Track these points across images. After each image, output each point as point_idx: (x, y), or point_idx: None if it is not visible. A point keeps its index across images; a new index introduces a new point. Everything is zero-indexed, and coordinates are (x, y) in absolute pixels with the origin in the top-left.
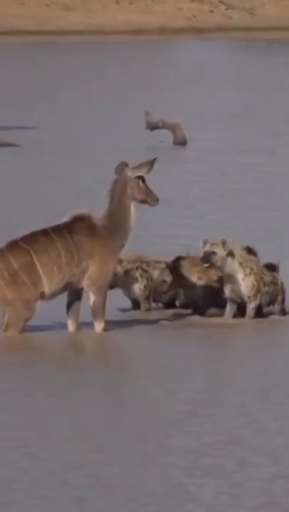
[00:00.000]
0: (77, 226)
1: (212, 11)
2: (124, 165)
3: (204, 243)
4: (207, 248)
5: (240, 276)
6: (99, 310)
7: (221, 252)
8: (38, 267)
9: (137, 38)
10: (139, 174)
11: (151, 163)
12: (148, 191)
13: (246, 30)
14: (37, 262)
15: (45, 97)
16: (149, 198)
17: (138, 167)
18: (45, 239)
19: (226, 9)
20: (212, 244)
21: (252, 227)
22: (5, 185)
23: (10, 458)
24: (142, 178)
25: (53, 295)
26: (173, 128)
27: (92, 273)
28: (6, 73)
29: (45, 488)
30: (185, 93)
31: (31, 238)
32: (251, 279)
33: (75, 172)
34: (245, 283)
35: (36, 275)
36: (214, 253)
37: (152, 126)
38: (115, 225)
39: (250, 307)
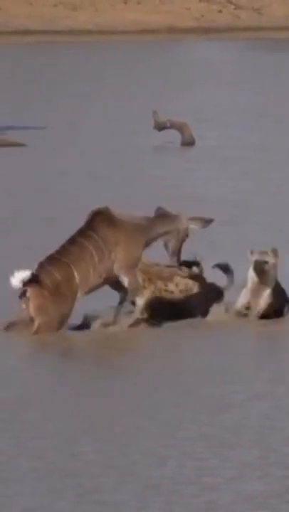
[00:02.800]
0: (97, 221)
1: (220, 11)
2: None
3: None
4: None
5: None
6: (136, 288)
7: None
8: (76, 279)
9: (144, 38)
10: (192, 227)
11: (208, 222)
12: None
13: (254, 30)
14: (76, 274)
15: (53, 96)
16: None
17: (194, 219)
18: (75, 247)
19: (234, 9)
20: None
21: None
22: (12, 184)
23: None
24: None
25: (89, 292)
26: (180, 128)
27: (120, 258)
28: (13, 73)
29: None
30: (193, 93)
31: (65, 251)
32: None
33: (82, 171)
34: None
35: (75, 288)
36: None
37: (160, 126)
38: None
39: None
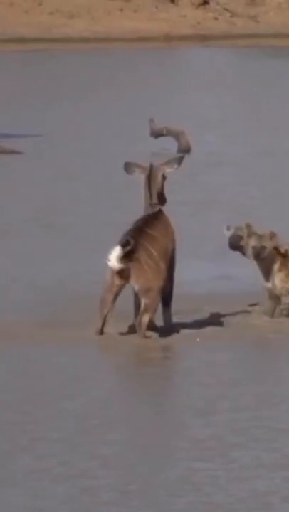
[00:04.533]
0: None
1: (216, 18)
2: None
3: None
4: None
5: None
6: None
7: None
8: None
9: (141, 46)
10: (169, 171)
11: (179, 160)
12: (163, 194)
13: (251, 37)
14: (167, 247)
15: (50, 104)
16: (161, 201)
17: (167, 163)
18: (160, 222)
19: (231, 16)
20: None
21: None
22: (10, 192)
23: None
24: (164, 177)
25: None
26: (177, 135)
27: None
28: (9, 80)
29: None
30: (190, 100)
31: (153, 225)
32: None
33: (79, 179)
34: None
35: (169, 262)
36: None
37: (156, 134)
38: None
39: None
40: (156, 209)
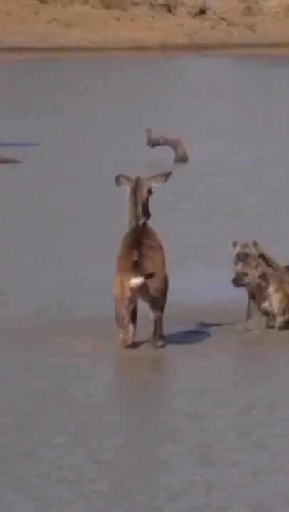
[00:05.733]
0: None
1: (213, 28)
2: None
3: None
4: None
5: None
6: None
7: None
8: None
9: (138, 55)
10: (154, 185)
11: (166, 176)
12: (147, 208)
13: (247, 47)
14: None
15: (47, 113)
16: (145, 215)
17: (154, 177)
18: (154, 234)
19: (227, 26)
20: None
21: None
22: (8, 201)
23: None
24: (151, 190)
25: None
26: (174, 145)
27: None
28: (6, 90)
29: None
30: (187, 109)
31: (151, 235)
32: None
33: (77, 188)
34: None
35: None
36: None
37: (153, 143)
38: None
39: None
40: (142, 221)
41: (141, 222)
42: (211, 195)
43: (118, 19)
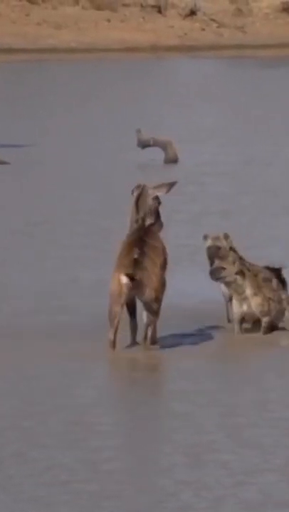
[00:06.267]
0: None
1: (203, 29)
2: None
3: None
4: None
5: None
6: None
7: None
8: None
9: (129, 56)
10: (158, 194)
11: (170, 186)
12: (159, 216)
13: (238, 48)
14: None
15: (38, 114)
16: (157, 222)
17: (158, 187)
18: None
19: (218, 27)
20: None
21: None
22: None
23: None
24: (158, 199)
25: None
26: (164, 146)
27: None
28: None
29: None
30: (177, 110)
31: (150, 234)
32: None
33: (67, 189)
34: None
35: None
36: None
37: (143, 144)
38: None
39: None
40: (148, 222)
41: (148, 223)
42: (202, 196)
43: (108, 20)
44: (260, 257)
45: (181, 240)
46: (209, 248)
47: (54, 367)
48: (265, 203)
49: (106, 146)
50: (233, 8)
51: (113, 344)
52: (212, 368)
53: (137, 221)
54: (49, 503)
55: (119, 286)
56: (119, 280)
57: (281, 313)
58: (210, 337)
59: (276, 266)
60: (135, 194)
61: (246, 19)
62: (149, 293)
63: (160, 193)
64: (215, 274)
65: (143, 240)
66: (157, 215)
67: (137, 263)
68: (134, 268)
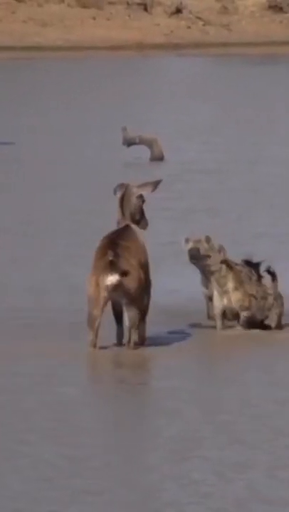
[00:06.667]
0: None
1: (189, 27)
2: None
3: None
4: None
5: None
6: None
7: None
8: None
9: (114, 54)
10: (143, 193)
11: (155, 184)
12: (143, 214)
13: (223, 46)
14: (140, 258)
15: (22, 112)
16: (142, 221)
17: (143, 185)
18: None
19: (203, 25)
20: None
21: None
22: None
23: None
24: (142, 198)
25: None
26: (150, 143)
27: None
28: None
29: None
30: (163, 108)
31: (124, 235)
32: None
33: (52, 187)
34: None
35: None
36: None
37: (129, 142)
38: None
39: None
40: (124, 224)
41: (122, 224)
42: (188, 194)
43: (94, 18)
44: (246, 253)
45: (167, 237)
46: (190, 250)
47: (40, 364)
48: (251, 201)
49: (92, 144)
50: (219, 6)
51: (94, 344)
52: (197, 365)
53: (118, 222)
54: (33, 499)
55: (97, 290)
56: (97, 283)
57: (267, 309)
58: (195, 334)
59: (254, 261)
60: (119, 194)
61: (232, 17)
62: (128, 295)
63: (145, 192)
64: (193, 255)
65: (115, 242)
66: (142, 214)
67: (112, 265)
68: (112, 270)
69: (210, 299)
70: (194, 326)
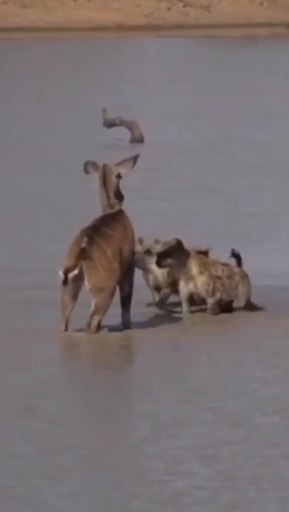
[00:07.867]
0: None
1: (169, 8)
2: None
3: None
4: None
5: None
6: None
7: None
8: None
9: (95, 35)
10: (122, 171)
11: (134, 160)
12: (120, 192)
13: (203, 28)
14: (123, 248)
15: (2, 94)
16: (119, 199)
17: (122, 163)
18: (118, 223)
19: (184, 6)
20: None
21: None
22: None
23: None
24: (120, 175)
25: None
26: (130, 125)
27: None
28: None
29: None
30: (143, 90)
31: (111, 225)
32: None
33: (29, 169)
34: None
35: (126, 263)
36: None
37: (109, 124)
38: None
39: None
40: (117, 208)
41: (116, 209)
42: (169, 175)
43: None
44: (230, 234)
45: (148, 217)
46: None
47: (17, 343)
48: (230, 182)
49: (72, 125)
50: None
51: (65, 329)
52: (172, 346)
53: (110, 205)
54: (9, 475)
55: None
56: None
57: (234, 288)
58: (171, 319)
59: (203, 248)
60: (98, 174)
61: None
62: (93, 282)
63: (125, 170)
64: (161, 262)
65: (98, 228)
66: (118, 191)
67: (82, 252)
68: (77, 257)
69: (156, 288)
70: (170, 310)
